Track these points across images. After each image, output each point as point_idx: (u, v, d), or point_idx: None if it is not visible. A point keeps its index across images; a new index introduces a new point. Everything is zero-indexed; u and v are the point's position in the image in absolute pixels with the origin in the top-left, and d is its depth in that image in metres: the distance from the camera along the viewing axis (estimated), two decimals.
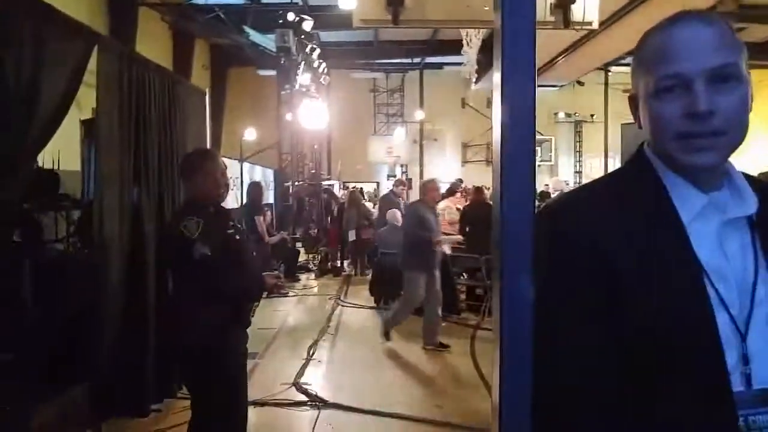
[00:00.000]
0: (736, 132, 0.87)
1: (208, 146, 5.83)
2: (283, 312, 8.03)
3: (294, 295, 9.17)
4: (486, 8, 3.19)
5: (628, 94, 1.00)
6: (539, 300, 0.75)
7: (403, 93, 21.50)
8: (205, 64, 15.83)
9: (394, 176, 17.68)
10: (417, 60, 19.56)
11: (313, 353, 5.96)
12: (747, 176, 0.96)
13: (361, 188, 15.77)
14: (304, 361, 5.66)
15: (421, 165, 20.99)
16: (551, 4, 3.23)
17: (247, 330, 2.92)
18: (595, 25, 3.23)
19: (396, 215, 8.31)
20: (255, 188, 8.89)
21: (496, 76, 0.76)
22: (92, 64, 3.55)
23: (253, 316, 2.94)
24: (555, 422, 0.85)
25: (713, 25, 0.88)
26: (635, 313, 0.85)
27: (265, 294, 3.07)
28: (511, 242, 0.76)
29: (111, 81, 3.62)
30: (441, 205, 8.03)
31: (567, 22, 3.18)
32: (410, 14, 3.33)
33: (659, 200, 0.90)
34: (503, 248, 0.76)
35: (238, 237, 2.81)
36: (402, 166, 20.31)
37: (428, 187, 6.27)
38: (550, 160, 21.39)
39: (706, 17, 0.90)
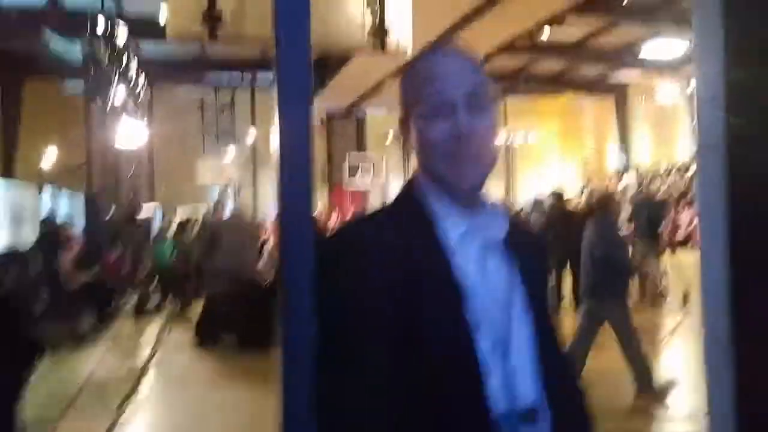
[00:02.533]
0: (492, 153, 0.99)
1: None
2: (88, 363, 6.95)
3: (104, 343, 8.07)
4: None
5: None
6: (320, 329, 0.86)
7: (234, 111, 20.90)
8: None
9: (224, 200, 16.95)
10: (248, 77, 19.14)
11: (124, 408, 5.26)
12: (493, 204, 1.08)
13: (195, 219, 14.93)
14: (111, 422, 4.92)
15: (255, 186, 20.50)
16: (368, 30, 3.24)
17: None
18: (410, 53, 3.34)
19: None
20: (51, 222, 7.77)
21: (276, 101, 0.79)
22: None
23: None
24: None
25: (466, 57, 1.02)
26: (410, 340, 0.88)
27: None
28: (291, 267, 0.80)
29: None
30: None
31: (383, 48, 3.23)
32: (230, 30, 3.12)
33: (427, 224, 0.96)
34: (284, 272, 0.80)
35: None
36: (234, 187, 19.63)
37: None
38: (382, 183, 22.11)
39: (461, 51, 1.03)
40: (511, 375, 0.92)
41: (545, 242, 1.16)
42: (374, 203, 17.59)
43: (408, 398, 0.88)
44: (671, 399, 4.79)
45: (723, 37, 1.36)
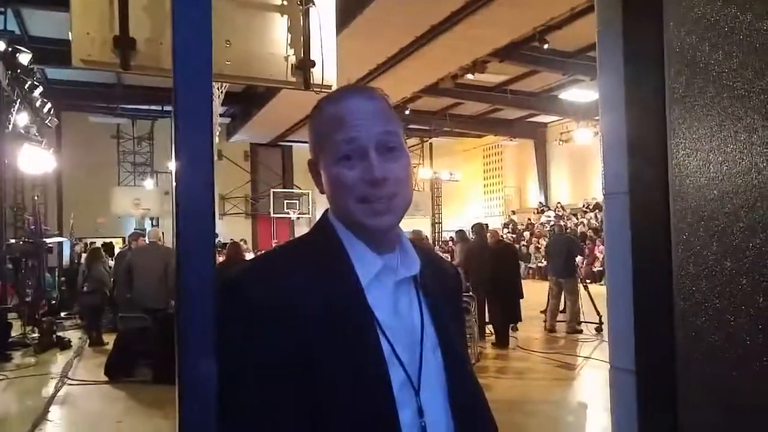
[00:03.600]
0: (405, 195, 0.96)
1: None
2: None
3: (2, 379, 7.47)
4: (227, 62, 3.04)
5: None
6: (226, 370, 0.82)
7: (153, 141, 20.26)
8: None
9: (143, 230, 16.30)
10: (168, 108, 18.64)
11: None
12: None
13: (109, 243, 14.23)
14: None
15: (174, 217, 19.82)
16: (293, 65, 3.23)
17: None
18: (334, 88, 3.35)
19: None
20: None
21: (175, 130, 0.74)
22: None
23: None
24: None
25: (377, 99, 0.98)
26: (321, 376, 0.87)
27: None
28: (188, 299, 0.74)
29: None
30: None
31: (307, 84, 3.21)
32: (144, 60, 2.99)
33: (341, 263, 0.95)
34: (179, 308, 0.74)
35: None
36: (152, 219, 18.90)
37: None
38: (308, 213, 21.98)
39: (371, 91, 1.00)
40: (422, 411, 0.93)
41: (458, 277, 1.23)
42: (300, 232, 17.39)
43: None
44: None
45: (624, 90, 1.45)
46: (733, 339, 1.08)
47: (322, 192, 1.01)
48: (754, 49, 1.10)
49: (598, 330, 8.95)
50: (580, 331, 9.11)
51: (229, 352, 0.84)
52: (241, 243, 11.55)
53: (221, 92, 8.14)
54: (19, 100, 11.36)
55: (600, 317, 8.98)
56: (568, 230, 15.79)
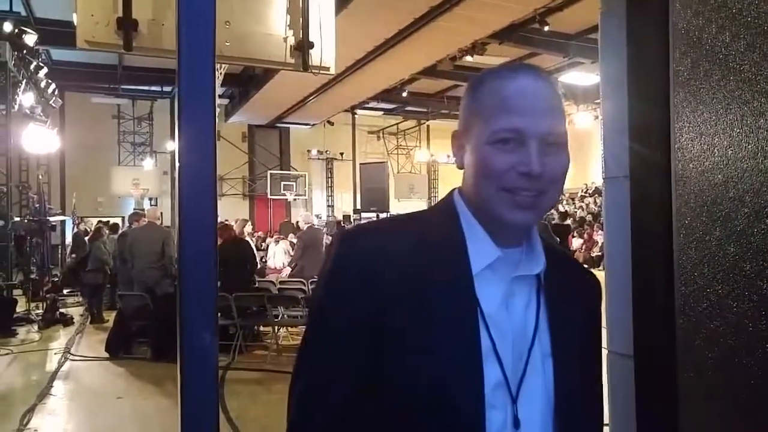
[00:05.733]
0: (554, 194, 0.86)
1: None
2: None
3: (7, 353, 7.64)
4: (227, 43, 3.01)
5: (452, 132, 0.94)
6: (310, 314, 0.89)
7: (152, 122, 20.18)
8: None
9: (142, 210, 16.31)
10: (168, 88, 18.54)
11: (28, 422, 4.97)
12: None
13: (115, 223, 14.25)
14: None
15: (173, 198, 19.80)
16: (291, 46, 3.20)
17: None
18: (333, 70, 3.33)
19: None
20: None
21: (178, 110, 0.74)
22: None
23: None
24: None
25: (552, 86, 0.88)
26: (402, 351, 0.82)
27: None
28: (190, 279, 0.74)
29: None
30: None
31: (306, 65, 3.19)
32: (146, 41, 2.98)
33: (453, 245, 0.88)
34: (181, 287, 0.74)
35: None
36: (151, 199, 18.89)
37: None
38: (305, 195, 21.98)
39: (547, 77, 0.89)
40: (518, 421, 0.83)
41: (599, 290, 1.03)
42: (296, 215, 17.37)
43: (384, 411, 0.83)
44: None
45: (626, 72, 1.43)
46: (735, 325, 1.08)
47: (459, 166, 0.92)
48: (763, 31, 1.08)
49: None
50: None
51: (323, 295, 0.88)
52: (243, 222, 11.52)
53: (220, 73, 8.11)
54: (24, 80, 11.40)
55: None
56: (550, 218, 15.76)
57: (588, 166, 21.14)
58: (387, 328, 0.82)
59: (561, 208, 17.81)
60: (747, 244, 1.06)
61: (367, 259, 0.86)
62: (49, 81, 12.80)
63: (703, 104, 1.19)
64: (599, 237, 16.70)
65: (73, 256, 12.21)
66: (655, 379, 1.29)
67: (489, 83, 0.88)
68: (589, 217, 19.23)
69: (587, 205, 20.40)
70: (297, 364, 0.89)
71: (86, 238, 11.45)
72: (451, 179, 25.55)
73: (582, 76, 15.82)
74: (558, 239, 9.84)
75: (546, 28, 11.97)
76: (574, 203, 20.90)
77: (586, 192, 21.30)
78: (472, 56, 13.46)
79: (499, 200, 0.84)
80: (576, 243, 17.43)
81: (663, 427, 1.24)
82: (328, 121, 21.11)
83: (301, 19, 3.20)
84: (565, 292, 0.92)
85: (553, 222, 11.59)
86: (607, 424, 1.46)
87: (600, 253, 15.71)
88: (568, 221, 16.39)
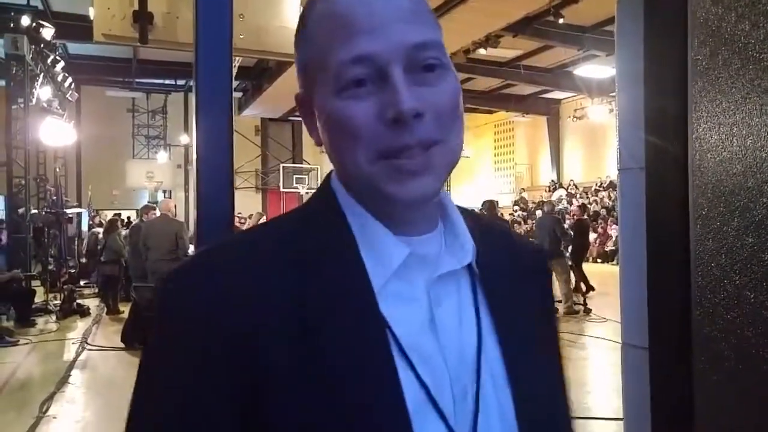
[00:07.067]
0: (451, 138, 0.58)
1: None
2: (10, 364, 6.71)
3: (27, 343, 7.77)
4: (241, 36, 3.02)
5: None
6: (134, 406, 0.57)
7: (166, 115, 20.32)
8: None
9: (155, 203, 16.46)
10: (181, 82, 18.64)
11: (47, 409, 5.05)
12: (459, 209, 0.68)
13: (128, 216, 14.47)
14: (35, 420, 4.76)
15: (187, 191, 19.95)
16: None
17: None
18: None
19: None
20: None
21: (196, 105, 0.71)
22: None
23: None
24: None
25: None
26: None
27: None
28: None
29: None
30: None
31: None
32: (161, 34, 3.01)
33: (340, 254, 0.59)
34: None
35: None
36: (165, 192, 19.05)
37: None
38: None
39: None
40: None
41: (543, 259, 0.74)
42: None
43: None
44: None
45: (643, 62, 1.42)
46: (753, 316, 1.07)
47: (318, 144, 0.63)
48: None
49: (586, 311, 9.00)
50: (577, 312, 9.11)
51: (146, 376, 0.59)
52: (258, 215, 11.61)
53: (234, 66, 8.17)
54: (42, 74, 11.53)
55: (585, 298, 9.11)
56: (553, 211, 15.55)
57: (602, 160, 20.98)
58: (255, 404, 0.53)
59: (578, 201, 17.68)
60: (766, 235, 1.06)
61: (209, 300, 0.55)
62: (66, 75, 12.95)
63: (721, 94, 1.18)
64: (614, 231, 16.59)
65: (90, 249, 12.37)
66: (671, 370, 1.29)
67: (316, 9, 0.60)
68: (603, 212, 19.10)
69: (601, 199, 20.26)
70: None
71: (100, 230, 11.58)
72: (464, 173, 25.48)
73: (597, 69, 15.68)
74: (573, 235, 9.76)
75: (561, 21, 11.87)
76: (587, 197, 20.76)
77: (600, 186, 21.14)
78: (485, 49, 13.40)
79: (380, 174, 0.56)
80: (590, 237, 17.33)
81: (678, 417, 1.24)
82: None
83: None
84: (512, 282, 0.66)
85: (575, 217, 11.47)
86: (621, 419, 1.46)
87: (614, 248, 15.60)
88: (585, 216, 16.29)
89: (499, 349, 0.62)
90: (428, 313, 0.60)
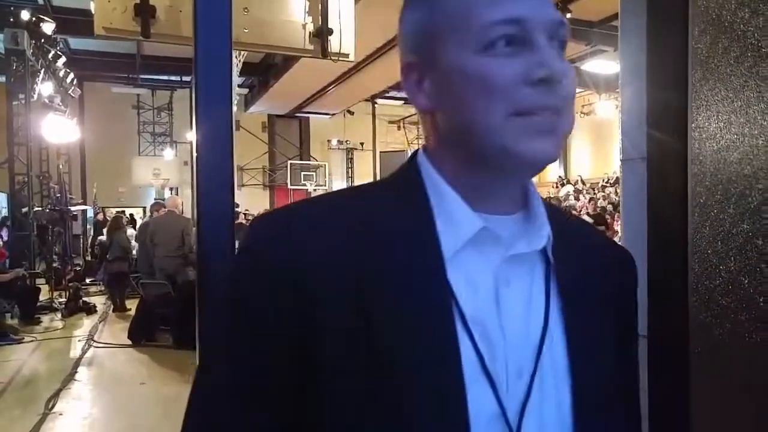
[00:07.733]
0: (572, 113, 0.60)
1: None
2: (15, 361, 6.74)
3: (32, 340, 7.80)
4: (245, 30, 3.03)
5: (404, 63, 0.65)
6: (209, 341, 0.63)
7: (172, 111, 20.36)
8: None
9: (163, 200, 16.53)
10: (187, 78, 18.67)
11: (53, 406, 5.09)
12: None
13: (131, 214, 14.54)
14: (40, 417, 4.80)
15: (193, 188, 20.00)
16: (310, 33, 3.22)
17: None
18: (352, 57, 3.32)
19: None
20: None
21: (194, 99, 0.72)
22: None
23: None
24: None
25: None
26: (344, 386, 0.56)
27: None
28: (208, 268, 0.74)
29: None
30: None
31: (324, 52, 3.20)
32: (163, 28, 3.01)
33: (414, 223, 0.60)
34: (200, 277, 0.75)
35: None
36: (171, 189, 19.10)
37: None
38: (325, 185, 22.05)
39: None
40: None
41: (632, 266, 0.73)
42: None
43: None
44: None
45: (645, 52, 1.42)
46: (747, 301, 1.07)
47: (424, 109, 0.64)
48: None
49: None
50: None
51: (224, 309, 0.63)
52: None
53: (239, 61, 8.14)
54: (43, 69, 11.50)
55: None
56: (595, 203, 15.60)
57: (609, 156, 20.90)
58: (319, 354, 0.56)
59: (585, 197, 17.64)
60: (761, 220, 1.06)
61: (288, 250, 0.58)
62: (68, 70, 12.89)
63: (721, 82, 1.18)
64: (619, 227, 16.52)
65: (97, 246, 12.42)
66: (667, 357, 1.29)
67: None
68: (609, 207, 19.03)
69: (608, 194, 20.19)
70: (185, 420, 0.62)
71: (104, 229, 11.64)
72: None
73: (604, 65, 15.59)
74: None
75: (568, 15, 11.81)
76: (594, 193, 20.69)
77: (607, 182, 21.07)
78: None
79: (513, 131, 0.57)
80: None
81: (674, 403, 1.25)
82: (348, 111, 21.12)
83: (320, 6, 3.22)
84: (587, 276, 0.65)
85: (590, 213, 11.49)
86: None
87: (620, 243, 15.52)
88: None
89: (565, 339, 0.63)
90: (494, 289, 0.60)
